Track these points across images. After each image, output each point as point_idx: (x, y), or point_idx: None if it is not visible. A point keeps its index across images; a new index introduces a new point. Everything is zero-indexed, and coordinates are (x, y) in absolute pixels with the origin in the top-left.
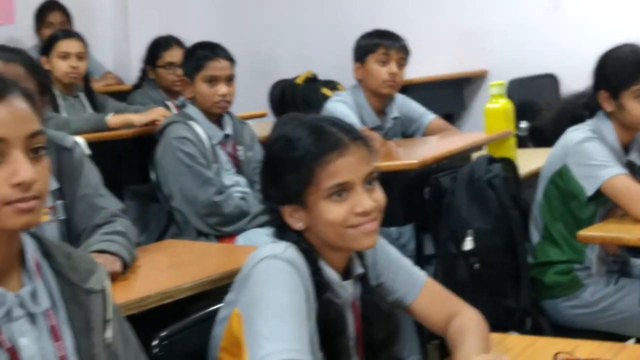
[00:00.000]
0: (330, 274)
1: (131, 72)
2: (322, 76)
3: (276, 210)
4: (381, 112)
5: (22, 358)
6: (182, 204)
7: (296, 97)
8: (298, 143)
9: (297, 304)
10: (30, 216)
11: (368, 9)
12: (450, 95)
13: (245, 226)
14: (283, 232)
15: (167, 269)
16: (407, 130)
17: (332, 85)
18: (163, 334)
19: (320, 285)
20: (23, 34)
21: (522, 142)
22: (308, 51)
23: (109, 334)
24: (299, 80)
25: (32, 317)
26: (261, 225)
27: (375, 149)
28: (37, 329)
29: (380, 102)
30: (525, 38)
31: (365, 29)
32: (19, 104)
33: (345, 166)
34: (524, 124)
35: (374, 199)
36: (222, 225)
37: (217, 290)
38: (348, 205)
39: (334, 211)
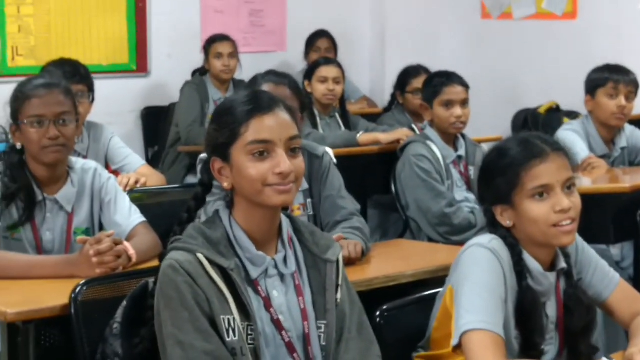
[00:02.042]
0: (534, 265)
1: (385, 97)
2: (564, 107)
3: (489, 210)
4: (610, 142)
5: (273, 305)
6: (417, 214)
7: (537, 126)
8: (507, 152)
9: (495, 285)
10: (286, 196)
11: (612, 42)
12: None
13: (472, 237)
14: (495, 228)
15: (395, 260)
16: (635, 160)
17: (574, 116)
18: (384, 307)
19: (521, 274)
20: (293, 59)
21: None
22: (552, 82)
23: (339, 295)
24: (542, 110)
25: (282, 276)
26: None
27: (572, 158)
28: (285, 286)
29: (609, 132)
30: None
31: (610, 62)
32: (282, 115)
33: (546, 171)
34: None
35: (572, 201)
36: (451, 234)
37: (435, 279)
38: (549, 205)
39: (536, 209)
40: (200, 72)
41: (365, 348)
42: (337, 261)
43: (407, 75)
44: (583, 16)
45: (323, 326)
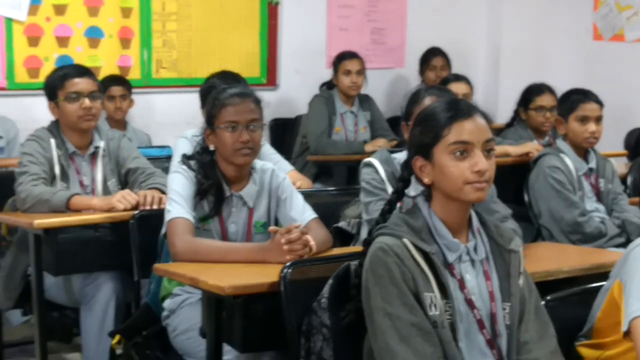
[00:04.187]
0: None
1: (498, 113)
2: None
3: None
4: None
5: (466, 287)
6: (549, 222)
7: None
8: None
9: None
10: (482, 193)
11: None
12: None
13: (603, 245)
14: None
15: (548, 258)
16: None
17: None
18: (548, 298)
19: None
20: (409, 75)
21: None
22: None
23: (520, 281)
24: None
25: (472, 262)
26: (616, 246)
27: None
28: (475, 271)
29: None
30: None
31: None
32: (480, 120)
33: None
34: None
35: None
36: (582, 242)
37: (582, 277)
38: None
39: None
40: (328, 86)
41: (542, 329)
42: (519, 251)
43: (530, 92)
44: None
45: (507, 307)
